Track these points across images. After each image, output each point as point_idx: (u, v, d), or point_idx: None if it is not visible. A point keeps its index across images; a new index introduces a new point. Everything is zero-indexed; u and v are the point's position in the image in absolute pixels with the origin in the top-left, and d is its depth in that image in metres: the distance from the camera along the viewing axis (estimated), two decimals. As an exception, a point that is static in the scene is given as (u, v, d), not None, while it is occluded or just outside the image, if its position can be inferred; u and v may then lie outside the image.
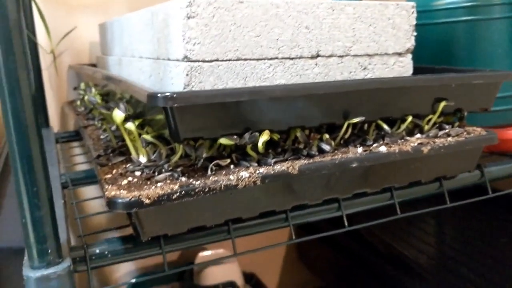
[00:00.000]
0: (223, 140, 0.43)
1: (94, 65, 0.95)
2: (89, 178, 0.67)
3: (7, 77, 0.33)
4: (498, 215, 1.06)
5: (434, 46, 0.71)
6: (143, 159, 0.46)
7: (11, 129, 0.34)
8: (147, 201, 0.38)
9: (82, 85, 0.86)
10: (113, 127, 0.58)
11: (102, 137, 0.58)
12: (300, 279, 1.26)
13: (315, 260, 1.20)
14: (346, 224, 0.49)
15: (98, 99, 0.61)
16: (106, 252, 0.42)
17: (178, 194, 0.40)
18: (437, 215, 1.07)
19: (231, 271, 1.02)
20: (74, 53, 0.96)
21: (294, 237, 0.47)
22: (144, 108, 0.50)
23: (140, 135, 0.47)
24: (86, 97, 0.65)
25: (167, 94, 0.39)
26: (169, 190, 0.39)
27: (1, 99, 0.34)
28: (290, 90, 0.44)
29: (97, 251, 0.42)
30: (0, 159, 0.66)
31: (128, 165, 0.46)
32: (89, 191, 0.95)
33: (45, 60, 0.92)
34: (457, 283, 0.85)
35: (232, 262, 1.03)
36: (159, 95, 0.39)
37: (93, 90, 0.64)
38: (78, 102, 0.78)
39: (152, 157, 0.47)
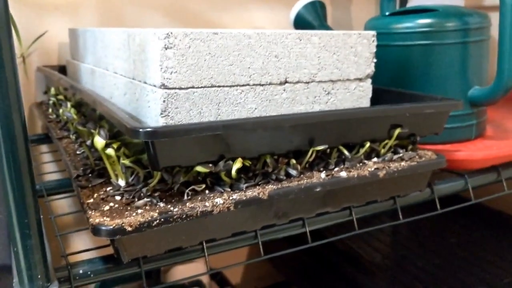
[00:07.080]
0: (199, 168, 0.46)
1: (63, 67, 0.95)
2: (63, 187, 0.69)
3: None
4: (449, 216, 1.14)
5: (391, 67, 0.76)
6: (122, 183, 0.49)
7: (4, 168, 0.37)
8: (129, 228, 0.42)
9: (53, 90, 0.87)
10: (88, 142, 0.60)
11: (78, 152, 0.60)
12: (263, 273, 1.31)
13: (278, 256, 1.25)
14: (309, 240, 0.53)
15: (73, 113, 0.63)
16: (89, 272, 0.45)
17: (157, 221, 0.43)
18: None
19: (197, 269, 1.05)
20: (43, 53, 0.96)
21: (263, 254, 0.51)
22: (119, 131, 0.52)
23: (118, 158, 0.50)
24: (61, 111, 0.66)
25: (148, 129, 0.42)
26: (149, 218, 0.43)
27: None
28: (261, 123, 0.48)
29: (80, 271, 0.45)
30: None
31: (108, 188, 0.49)
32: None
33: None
34: (408, 281, 0.92)
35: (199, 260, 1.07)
36: (141, 130, 0.42)
37: (68, 104, 0.66)
38: (50, 110, 0.79)
39: (130, 179, 0.50)
